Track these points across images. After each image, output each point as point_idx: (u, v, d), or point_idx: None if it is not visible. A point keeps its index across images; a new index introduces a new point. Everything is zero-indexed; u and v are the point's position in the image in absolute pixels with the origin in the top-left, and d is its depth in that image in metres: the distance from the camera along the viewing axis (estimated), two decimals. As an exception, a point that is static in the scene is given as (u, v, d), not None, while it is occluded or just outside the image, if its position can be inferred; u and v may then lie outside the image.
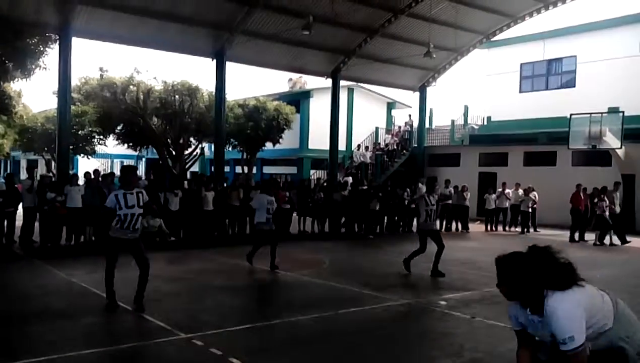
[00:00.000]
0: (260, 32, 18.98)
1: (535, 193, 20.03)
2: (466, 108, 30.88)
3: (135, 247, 7.26)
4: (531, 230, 20.01)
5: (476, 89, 32.31)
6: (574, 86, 27.30)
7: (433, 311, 7.71)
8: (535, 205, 20.10)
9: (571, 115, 21.80)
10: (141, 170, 31.26)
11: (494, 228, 20.38)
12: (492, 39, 24.67)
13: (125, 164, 32.50)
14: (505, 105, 29.10)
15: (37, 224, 13.64)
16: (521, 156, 23.96)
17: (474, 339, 6.35)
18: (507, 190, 20.48)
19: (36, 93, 64.95)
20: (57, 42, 16.62)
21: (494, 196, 20.43)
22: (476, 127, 30.41)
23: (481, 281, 10.02)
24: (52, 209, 13.23)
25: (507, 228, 20.54)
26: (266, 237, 10.74)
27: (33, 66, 18.72)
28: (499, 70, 29.87)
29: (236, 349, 5.72)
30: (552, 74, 28.92)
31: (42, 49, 18.47)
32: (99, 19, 16.45)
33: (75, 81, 21.07)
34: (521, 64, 29.41)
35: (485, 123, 30.39)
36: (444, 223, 19.68)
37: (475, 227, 20.54)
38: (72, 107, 18.54)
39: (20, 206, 13.47)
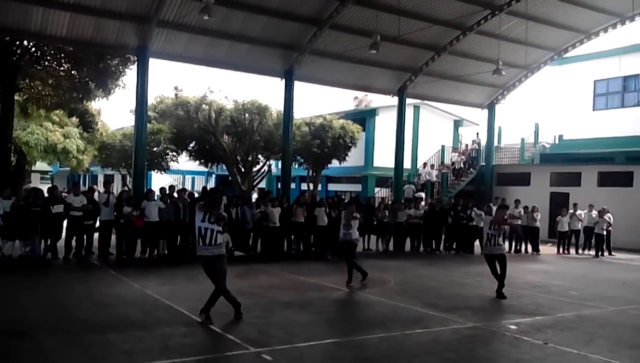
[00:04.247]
0: (327, 51, 19.30)
1: (609, 215, 19.18)
2: (537, 126, 30.08)
3: (213, 266, 7.56)
4: (605, 253, 19.17)
5: (547, 107, 31.45)
6: (653, 104, 26.15)
7: (503, 335, 7.55)
8: (610, 228, 19.25)
9: (649, 134, 20.90)
10: (211, 186, 32.13)
11: (566, 251, 19.64)
12: (564, 55, 24.02)
13: (194, 179, 33.53)
14: (578, 123, 28.18)
15: (113, 237, 14.32)
16: (595, 176, 23.03)
17: (547, 366, 6.18)
18: (578, 212, 19.72)
19: (114, 111, 68.11)
20: (136, 63, 17.50)
21: (566, 217, 19.70)
22: (547, 145, 29.56)
23: (554, 306, 9.71)
24: (129, 223, 13.85)
25: (580, 251, 19.76)
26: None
27: (113, 86, 19.82)
28: (571, 88, 29.00)
29: (304, 365, 5.82)
30: (629, 91, 27.80)
31: (121, 69, 19.54)
32: (175, 41, 17.21)
33: (151, 100, 22.03)
34: (595, 81, 28.45)
35: (557, 142, 29.49)
36: (514, 244, 19.18)
37: (547, 249, 19.86)
38: (148, 125, 19.36)
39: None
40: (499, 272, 10.36)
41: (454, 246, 18.58)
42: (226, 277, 7.66)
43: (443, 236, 18.67)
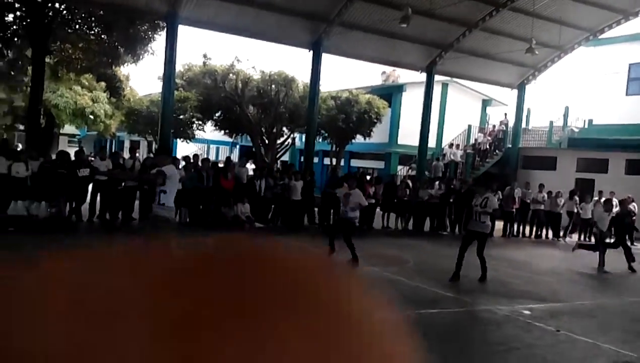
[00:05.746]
0: (357, 23, 19.07)
1: (635, 204, 18.81)
2: (566, 109, 29.48)
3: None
4: (628, 243, 18.85)
5: (578, 89, 30.73)
6: (688, 91, 25.41)
7: (517, 320, 7.55)
8: (634, 217, 18.89)
9: (682, 122, 20.37)
10: (235, 157, 32.30)
11: (587, 239, 19.38)
12: (599, 37, 23.38)
13: (218, 149, 33.70)
14: (610, 108, 27.49)
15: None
16: (623, 163, 22.58)
17: (558, 353, 6.19)
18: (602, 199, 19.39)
19: (142, 77, 68.65)
20: (165, 29, 17.56)
21: (590, 205, 19.39)
22: (576, 129, 28.96)
23: (571, 292, 9.68)
24: (151, 188, 14.01)
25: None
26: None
27: (142, 52, 19.97)
28: (605, 70, 28.22)
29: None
30: (664, 76, 27.04)
31: (150, 35, 19.66)
32: (204, 8, 17.15)
33: (179, 67, 22.10)
34: (630, 65, 27.62)
35: (586, 126, 28.88)
36: (534, 229, 19.02)
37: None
38: (175, 93, 19.50)
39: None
40: (477, 254, 9.92)
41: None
42: None
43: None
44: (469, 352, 6.12)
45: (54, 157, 14.19)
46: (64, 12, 18.90)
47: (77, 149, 16.13)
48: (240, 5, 17.34)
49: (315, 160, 23.72)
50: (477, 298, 8.68)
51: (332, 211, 16.43)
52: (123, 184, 14.27)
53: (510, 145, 26.05)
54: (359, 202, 10.60)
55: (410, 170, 24.55)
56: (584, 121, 29.15)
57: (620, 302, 9.27)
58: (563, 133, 28.67)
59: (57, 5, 18.36)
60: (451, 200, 18.19)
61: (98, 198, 14.00)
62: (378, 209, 17.53)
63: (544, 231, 19.16)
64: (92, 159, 15.43)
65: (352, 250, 10.44)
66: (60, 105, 23.27)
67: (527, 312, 7.94)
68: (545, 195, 19.05)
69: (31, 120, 18.86)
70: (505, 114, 27.49)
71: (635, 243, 18.94)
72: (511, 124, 26.18)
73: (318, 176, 20.77)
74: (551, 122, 28.66)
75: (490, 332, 7.15)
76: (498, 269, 10.48)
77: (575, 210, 19.35)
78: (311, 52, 19.34)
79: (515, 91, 25.11)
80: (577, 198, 19.45)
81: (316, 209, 16.97)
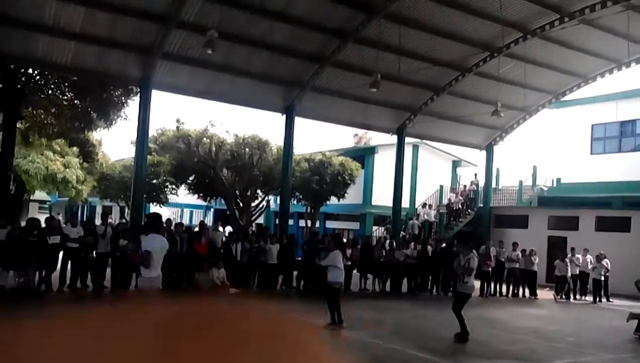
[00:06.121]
0: (328, 88, 19.52)
1: (607, 260, 19.07)
2: (534, 168, 30.18)
3: None
4: (603, 299, 19.00)
5: (545, 149, 31.61)
6: (650, 149, 26.31)
7: (498, 382, 7.44)
8: (607, 273, 19.11)
9: (647, 179, 20.99)
10: (209, 220, 32.02)
11: (564, 296, 19.45)
12: (562, 99, 24.29)
13: (192, 212, 33.49)
14: (576, 166, 28.26)
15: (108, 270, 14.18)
16: (593, 221, 22.99)
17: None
18: (576, 256, 19.59)
19: (115, 142, 68.35)
20: (138, 94, 17.64)
21: (565, 262, 19.48)
22: (545, 188, 29.57)
23: (550, 352, 9.61)
24: (124, 256, 13.73)
25: (577, 296, 19.50)
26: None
27: (115, 116, 19.96)
28: (569, 131, 29.17)
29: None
30: (626, 136, 28.00)
31: (124, 100, 19.71)
32: (178, 73, 17.39)
33: (152, 132, 22.15)
34: (592, 125, 28.64)
35: (555, 185, 29.54)
36: (511, 288, 19.05)
37: (544, 294, 19.69)
38: (149, 157, 19.43)
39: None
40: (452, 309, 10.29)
41: (451, 288, 18.42)
42: None
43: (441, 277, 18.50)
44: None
45: (23, 224, 13.86)
46: (37, 77, 18.90)
47: (47, 215, 15.82)
48: (215, 72, 17.62)
49: (291, 222, 23.64)
50: (456, 360, 8.55)
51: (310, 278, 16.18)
52: (94, 252, 13.96)
53: (481, 205, 26.40)
54: (335, 265, 10.66)
55: (385, 231, 24.56)
56: (553, 180, 29.83)
57: (596, 359, 9.23)
58: (533, 192, 29.23)
59: (29, 71, 18.37)
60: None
61: (69, 266, 13.63)
62: (355, 271, 17.38)
63: (521, 289, 19.16)
64: (64, 225, 15.08)
65: (338, 312, 10.44)
66: (31, 171, 22.93)
67: (508, 373, 7.84)
68: (520, 254, 19.18)
69: (0, 186, 18.48)
70: (476, 174, 27.98)
71: (610, 299, 19.11)
72: (481, 183, 26.63)
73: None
74: (520, 182, 29.25)
75: (473, 395, 7.02)
76: (477, 329, 10.38)
77: (568, 273, 19.19)
78: (284, 116, 19.62)
79: (484, 152, 25.70)
80: (567, 260, 19.33)
81: (295, 273, 16.72)
